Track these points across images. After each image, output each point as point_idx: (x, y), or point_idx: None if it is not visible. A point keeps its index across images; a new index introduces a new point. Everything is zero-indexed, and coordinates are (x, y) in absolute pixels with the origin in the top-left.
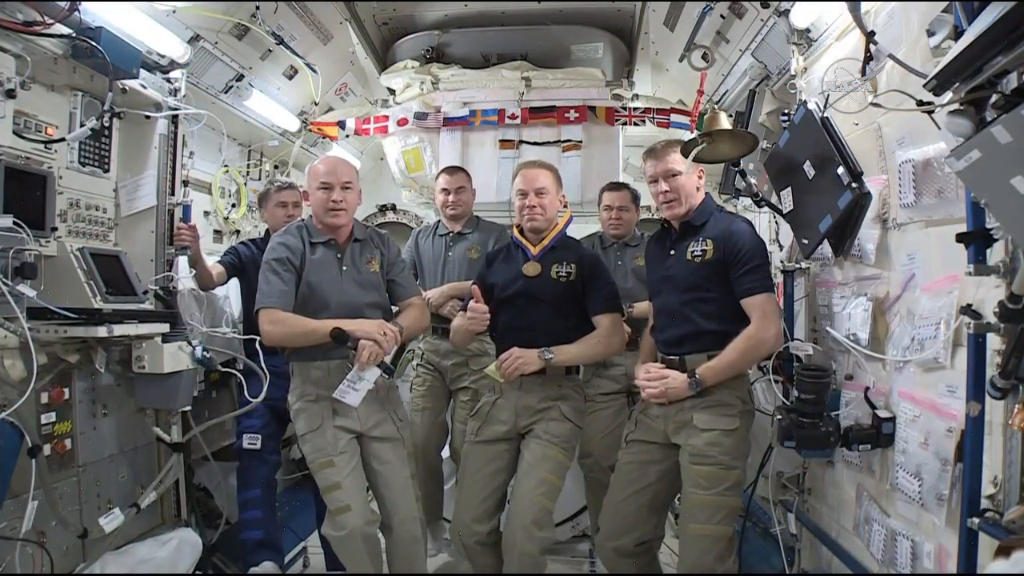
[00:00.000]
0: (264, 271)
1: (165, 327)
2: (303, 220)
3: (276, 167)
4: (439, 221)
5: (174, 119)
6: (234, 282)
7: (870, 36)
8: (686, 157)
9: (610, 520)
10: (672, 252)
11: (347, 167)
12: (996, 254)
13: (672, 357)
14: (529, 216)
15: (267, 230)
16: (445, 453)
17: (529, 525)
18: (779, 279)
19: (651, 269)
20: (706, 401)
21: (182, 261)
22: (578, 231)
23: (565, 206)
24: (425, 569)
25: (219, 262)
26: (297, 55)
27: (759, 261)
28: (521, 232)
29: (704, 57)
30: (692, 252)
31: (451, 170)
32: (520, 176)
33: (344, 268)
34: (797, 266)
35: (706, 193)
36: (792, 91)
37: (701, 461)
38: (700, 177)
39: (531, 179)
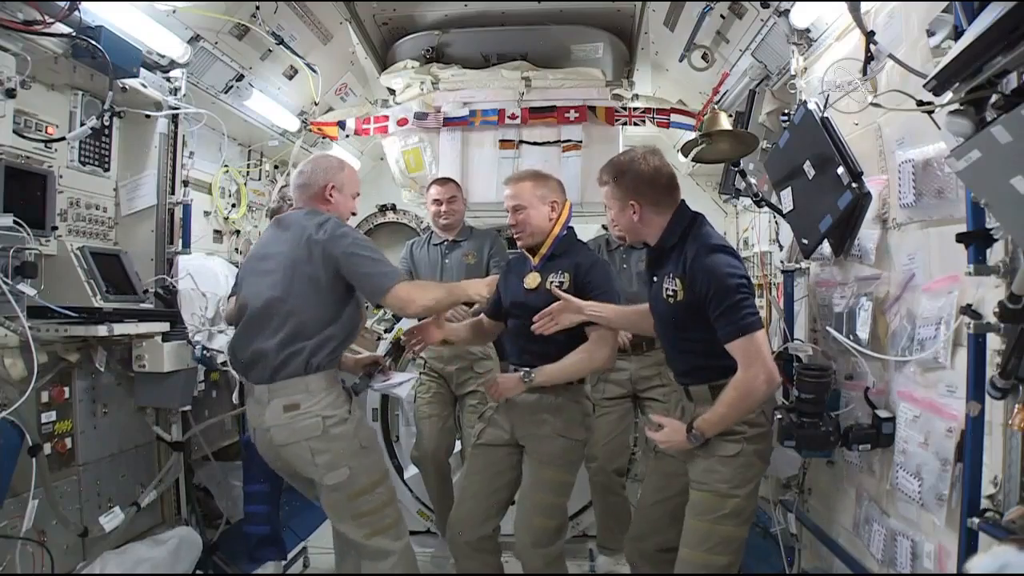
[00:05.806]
0: (364, 252)
1: (165, 326)
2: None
3: (276, 167)
4: (432, 231)
5: (174, 119)
6: (231, 282)
7: (870, 36)
8: (686, 156)
9: (638, 522)
10: (654, 279)
11: None
12: (996, 254)
13: (680, 384)
14: (515, 234)
15: None
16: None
17: (528, 547)
18: (779, 279)
19: (641, 281)
20: None
21: (181, 260)
22: (578, 231)
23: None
24: None
25: None
26: (297, 55)
27: (730, 300)
28: None
29: (704, 57)
30: (666, 289)
31: (442, 181)
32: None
33: None
34: (797, 266)
35: (681, 205)
36: (792, 91)
37: (698, 487)
38: (625, 211)
39: (508, 197)
